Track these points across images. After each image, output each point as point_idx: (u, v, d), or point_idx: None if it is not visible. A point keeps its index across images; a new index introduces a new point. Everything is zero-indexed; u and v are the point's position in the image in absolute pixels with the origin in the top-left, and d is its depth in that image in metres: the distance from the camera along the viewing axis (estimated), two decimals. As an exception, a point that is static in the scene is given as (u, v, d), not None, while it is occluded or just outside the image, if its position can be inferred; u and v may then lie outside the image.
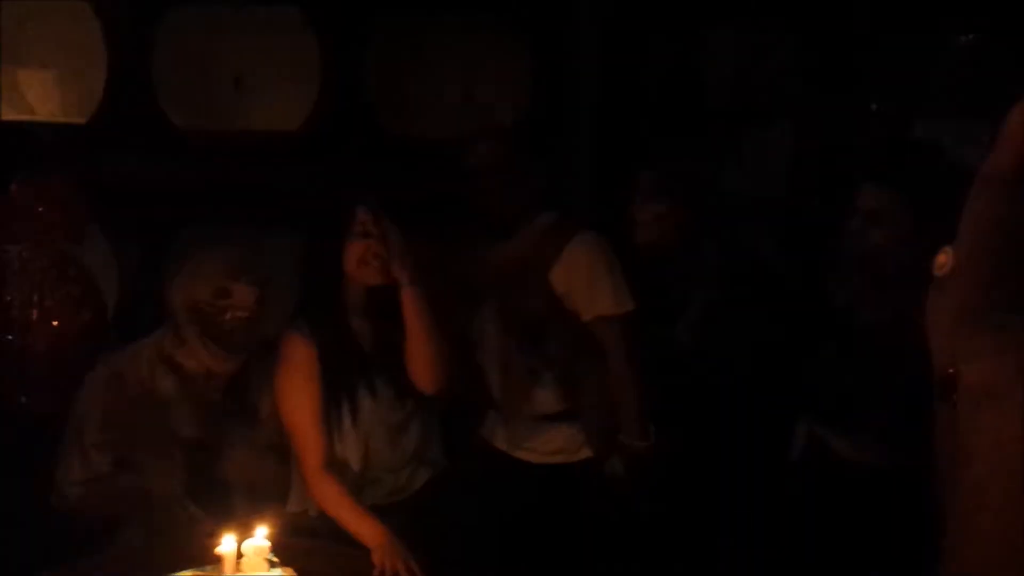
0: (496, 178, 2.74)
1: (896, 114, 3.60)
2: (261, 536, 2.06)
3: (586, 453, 2.80)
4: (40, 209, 2.99)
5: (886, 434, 2.28)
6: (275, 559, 2.05)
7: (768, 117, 3.79)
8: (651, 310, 2.81)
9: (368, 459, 2.49)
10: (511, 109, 3.67)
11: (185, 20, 3.69)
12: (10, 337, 2.95)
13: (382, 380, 2.50)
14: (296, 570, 2.08)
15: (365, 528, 2.36)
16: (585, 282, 2.72)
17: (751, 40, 3.87)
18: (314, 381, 2.45)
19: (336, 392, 2.47)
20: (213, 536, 2.08)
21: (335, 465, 2.45)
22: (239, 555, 2.03)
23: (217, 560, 2.02)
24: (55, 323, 2.97)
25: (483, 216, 2.79)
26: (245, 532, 2.07)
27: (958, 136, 3.02)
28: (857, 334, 2.39)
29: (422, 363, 2.49)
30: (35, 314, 2.95)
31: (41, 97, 3.79)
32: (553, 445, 2.81)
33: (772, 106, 3.80)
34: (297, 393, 2.47)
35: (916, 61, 3.63)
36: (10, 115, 3.74)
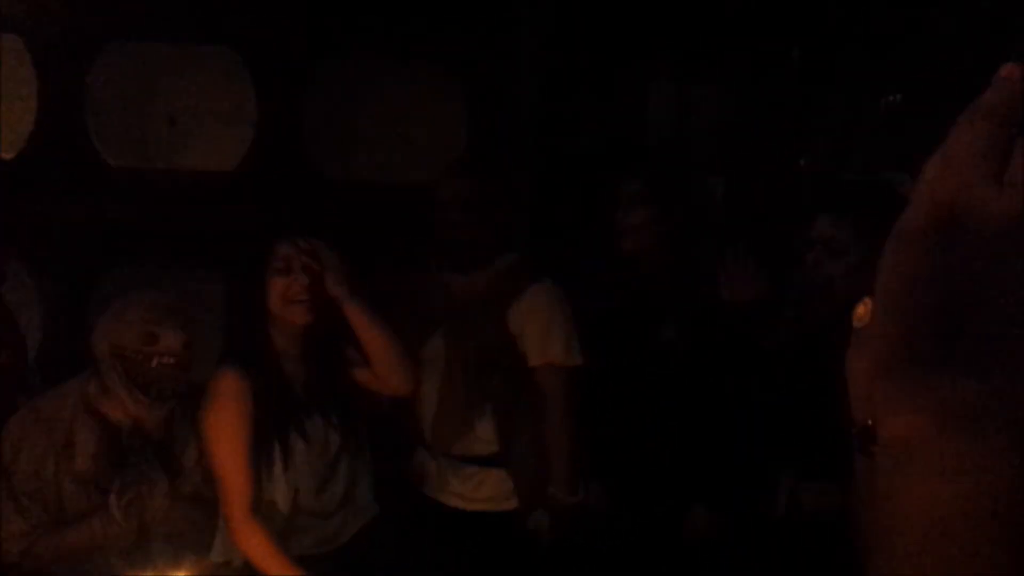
0: (462, 213, 2.73)
1: (823, 170, 3.70)
2: (179, 586, 2.00)
3: (513, 503, 2.77)
4: (-42, 246, 2.90)
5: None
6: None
7: (702, 170, 3.86)
8: (634, 321, 2.81)
9: (297, 504, 2.43)
10: (445, 152, 3.68)
11: (120, 56, 3.64)
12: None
13: (314, 423, 2.45)
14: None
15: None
16: (540, 327, 2.72)
17: (689, 93, 3.96)
18: (245, 419, 2.37)
19: (267, 436, 2.40)
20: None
21: (261, 512, 2.38)
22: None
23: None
24: (-30, 364, 2.87)
25: (446, 248, 2.78)
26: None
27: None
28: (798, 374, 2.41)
29: (388, 366, 2.49)
30: (-51, 353, 2.85)
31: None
32: (482, 491, 2.77)
33: (706, 159, 3.88)
34: (226, 432, 2.38)
35: (843, 119, 3.75)
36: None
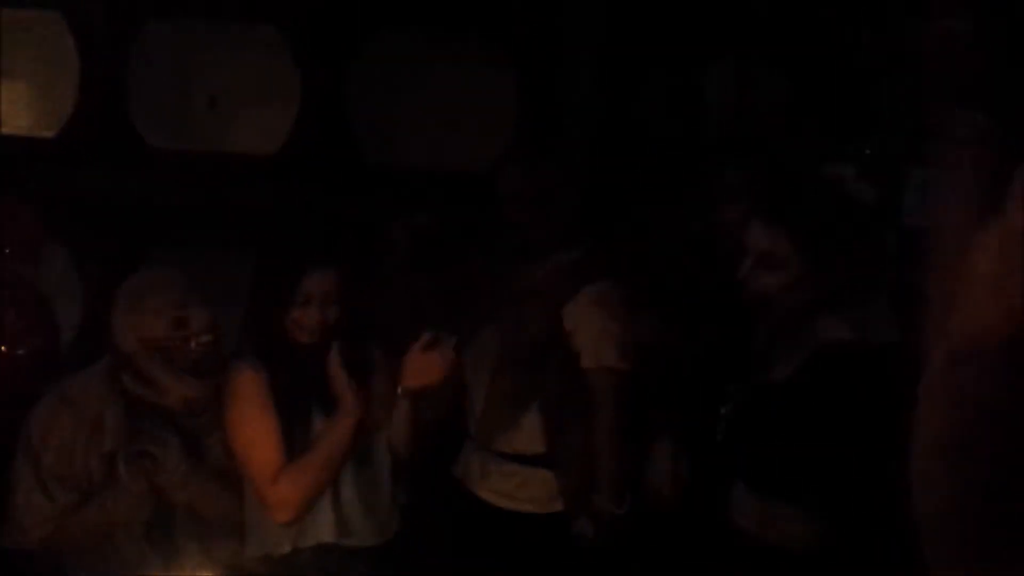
0: (524, 206, 2.62)
1: (891, 160, 3.51)
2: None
3: (557, 506, 2.67)
4: (-8, 228, 2.89)
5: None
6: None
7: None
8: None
9: (341, 498, 2.37)
10: (494, 136, 3.57)
11: (161, 36, 3.60)
12: (-46, 362, 2.84)
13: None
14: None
15: (335, 431, 2.30)
16: (596, 328, 2.60)
17: (746, 72, 3.78)
18: (269, 410, 2.33)
19: (289, 420, 2.35)
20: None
21: None
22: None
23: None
24: (2, 348, 2.85)
25: (505, 240, 2.68)
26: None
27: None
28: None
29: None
30: (-19, 338, 2.84)
31: (11, 110, 3.70)
32: (525, 491, 2.68)
33: (764, 145, 3.69)
34: (252, 426, 2.35)
35: (912, 105, 3.53)
36: (-21, 127, 3.64)
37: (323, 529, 2.40)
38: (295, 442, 2.36)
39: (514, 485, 2.69)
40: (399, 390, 2.39)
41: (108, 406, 2.42)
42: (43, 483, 2.40)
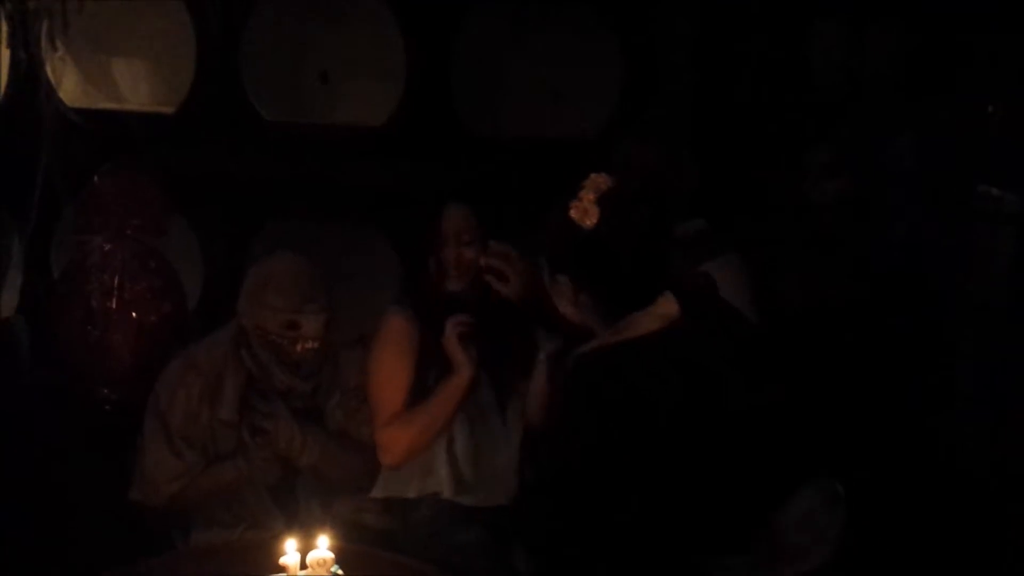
0: (644, 180, 2.63)
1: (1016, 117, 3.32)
2: (324, 547, 2.01)
3: None
4: (122, 201, 3.01)
5: None
6: (340, 572, 1.99)
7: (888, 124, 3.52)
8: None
9: (453, 454, 2.48)
10: (599, 107, 3.57)
11: (274, 12, 3.67)
12: (90, 328, 2.98)
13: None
14: (359, 581, 2.02)
15: (446, 389, 2.41)
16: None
17: (856, 32, 3.65)
18: (407, 358, 2.48)
19: (426, 371, 2.49)
20: (279, 539, 2.04)
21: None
22: (303, 566, 1.98)
23: (281, 570, 1.97)
24: (134, 314, 2.99)
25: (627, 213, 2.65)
26: (308, 541, 2.02)
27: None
28: None
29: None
30: (115, 305, 2.97)
31: (131, 86, 3.83)
32: None
33: (881, 106, 3.54)
34: (386, 369, 2.50)
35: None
36: (101, 103, 3.78)
37: (440, 484, 2.48)
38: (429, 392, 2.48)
39: None
40: (540, 355, 2.46)
41: (230, 375, 2.54)
42: (172, 443, 2.52)
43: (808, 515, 2.21)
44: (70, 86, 3.39)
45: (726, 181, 3.08)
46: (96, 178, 3.06)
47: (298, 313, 2.48)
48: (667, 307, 2.40)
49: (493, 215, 2.60)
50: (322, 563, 1.97)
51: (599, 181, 2.43)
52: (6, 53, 3.12)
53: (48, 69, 3.07)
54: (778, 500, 2.25)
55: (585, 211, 2.41)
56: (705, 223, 2.64)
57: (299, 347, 2.49)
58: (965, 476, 2.46)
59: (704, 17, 3.62)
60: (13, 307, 3.34)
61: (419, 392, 2.49)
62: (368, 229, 3.67)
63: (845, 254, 2.77)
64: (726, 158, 3.26)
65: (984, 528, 2.33)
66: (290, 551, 1.97)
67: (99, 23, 3.55)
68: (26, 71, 3.12)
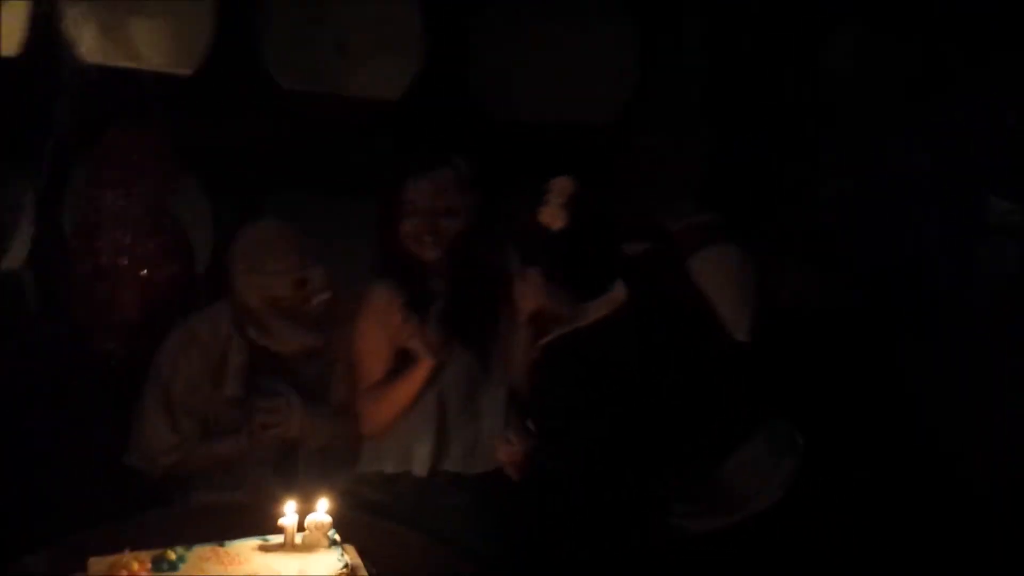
0: (651, 162, 2.66)
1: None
2: (323, 511, 2.04)
3: None
4: (135, 158, 3.02)
5: None
6: (337, 537, 2.02)
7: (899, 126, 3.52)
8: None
9: (445, 420, 2.54)
10: (618, 92, 3.57)
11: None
12: (98, 283, 2.99)
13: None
14: (355, 547, 2.05)
15: (414, 375, 2.45)
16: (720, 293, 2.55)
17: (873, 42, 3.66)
18: (389, 330, 2.52)
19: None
20: (278, 501, 2.07)
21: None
22: (300, 528, 2.01)
23: (279, 531, 2.00)
24: (143, 272, 3.00)
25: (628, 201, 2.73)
26: (307, 504, 2.05)
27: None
28: None
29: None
30: (125, 262, 2.98)
31: (150, 46, 3.82)
32: None
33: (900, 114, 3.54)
34: (369, 339, 2.55)
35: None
36: (118, 61, 3.77)
37: (412, 461, 2.51)
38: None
39: None
40: (521, 318, 2.48)
41: (232, 350, 2.56)
42: (171, 414, 2.54)
43: (755, 461, 2.28)
44: (88, 42, 3.38)
45: (736, 173, 3.10)
46: (109, 133, 3.06)
47: (303, 269, 2.51)
48: (616, 294, 2.46)
49: (503, 195, 2.62)
50: (320, 526, 2.00)
51: (565, 185, 2.48)
52: (27, 6, 3.13)
53: (67, 24, 3.08)
54: (729, 448, 2.34)
55: (553, 215, 2.46)
56: (715, 216, 2.65)
57: (313, 301, 2.51)
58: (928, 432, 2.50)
59: (720, 5, 3.62)
60: (23, 259, 3.35)
61: (404, 362, 2.52)
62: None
63: (846, 254, 2.78)
64: (737, 149, 3.27)
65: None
66: (289, 512, 2.00)
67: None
68: (45, 25, 3.13)
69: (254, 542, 2.01)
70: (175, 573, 1.89)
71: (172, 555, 1.91)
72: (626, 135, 2.72)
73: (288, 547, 1.98)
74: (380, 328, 2.53)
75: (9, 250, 3.30)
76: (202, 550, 1.96)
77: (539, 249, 2.60)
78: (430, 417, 2.53)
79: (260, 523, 2.07)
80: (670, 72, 3.63)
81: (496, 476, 2.52)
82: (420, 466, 2.53)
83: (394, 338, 2.51)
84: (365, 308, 2.57)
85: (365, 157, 3.61)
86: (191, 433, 2.56)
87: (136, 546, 1.92)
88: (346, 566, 1.93)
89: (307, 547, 1.99)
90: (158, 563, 1.90)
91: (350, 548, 2.03)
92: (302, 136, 3.65)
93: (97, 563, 1.89)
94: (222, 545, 1.98)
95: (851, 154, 2.80)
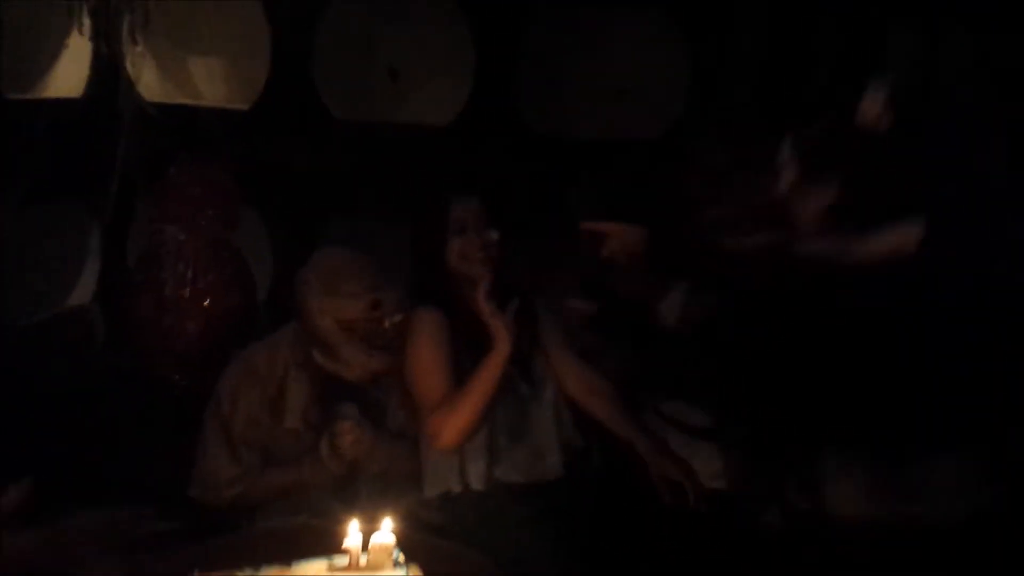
0: (713, 185, 2.63)
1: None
2: (387, 531, 2.04)
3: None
4: (196, 192, 3.08)
5: None
6: (401, 558, 2.02)
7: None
8: None
9: (495, 447, 2.53)
10: (667, 108, 3.56)
11: (347, 9, 3.72)
12: (162, 315, 3.05)
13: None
14: (421, 569, 2.05)
15: (488, 369, 2.42)
16: None
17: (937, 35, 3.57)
18: (444, 347, 2.52)
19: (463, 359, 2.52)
20: (342, 523, 2.07)
21: None
22: (365, 549, 2.01)
23: (343, 552, 2.00)
24: (205, 303, 3.05)
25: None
26: (371, 524, 2.06)
27: None
28: None
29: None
30: (187, 293, 3.04)
31: (208, 83, 3.90)
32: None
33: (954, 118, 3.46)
34: (426, 358, 2.53)
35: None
36: (178, 98, 3.86)
37: (470, 477, 2.51)
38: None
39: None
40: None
41: (292, 381, 2.57)
42: (232, 446, 2.56)
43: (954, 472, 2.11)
44: (148, 81, 3.47)
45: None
46: (172, 169, 3.13)
47: (378, 290, 2.53)
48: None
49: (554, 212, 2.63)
50: (384, 548, 2.00)
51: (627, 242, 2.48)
52: (89, 47, 3.22)
53: (128, 63, 3.16)
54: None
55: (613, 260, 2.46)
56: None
57: (387, 324, 2.54)
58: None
59: (774, 16, 3.59)
60: (90, 294, 3.43)
61: (458, 380, 2.53)
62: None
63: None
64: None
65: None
66: (352, 532, 2.00)
67: (178, 20, 3.63)
68: (107, 65, 3.22)
69: (321, 563, 2.02)
70: (243, 596, 1.90)
71: (240, 578, 1.92)
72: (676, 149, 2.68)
73: (353, 568, 1.98)
74: (437, 346, 2.53)
75: (78, 286, 3.39)
76: (269, 572, 1.97)
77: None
78: (480, 433, 2.53)
79: (325, 544, 2.07)
80: (722, 85, 3.62)
81: (556, 486, 2.50)
82: (477, 480, 2.52)
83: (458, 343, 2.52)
84: (417, 331, 2.56)
85: (417, 182, 3.64)
86: (252, 464, 2.58)
87: (205, 569, 1.94)
88: (411, 586, 1.93)
89: (372, 568, 1.98)
90: (227, 586, 1.91)
91: (415, 568, 2.03)
92: (357, 164, 3.70)
93: (167, 588, 1.91)
94: (289, 567, 1.99)
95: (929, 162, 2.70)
